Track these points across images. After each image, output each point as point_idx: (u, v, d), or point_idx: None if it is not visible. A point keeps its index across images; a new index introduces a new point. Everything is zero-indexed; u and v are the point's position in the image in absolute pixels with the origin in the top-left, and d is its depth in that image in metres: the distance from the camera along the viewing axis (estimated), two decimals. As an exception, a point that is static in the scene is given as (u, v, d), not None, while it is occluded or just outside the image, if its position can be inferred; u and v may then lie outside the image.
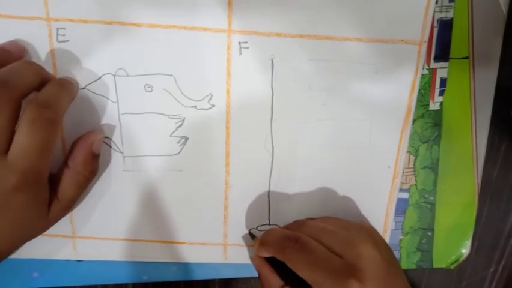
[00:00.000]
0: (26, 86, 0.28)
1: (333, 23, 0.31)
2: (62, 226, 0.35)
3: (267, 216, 0.36)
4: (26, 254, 0.37)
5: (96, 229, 0.36)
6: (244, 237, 0.37)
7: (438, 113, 0.34)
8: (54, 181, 0.31)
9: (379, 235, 0.32)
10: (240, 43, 0.32)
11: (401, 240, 0.37)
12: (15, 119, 0.27)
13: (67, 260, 0.37)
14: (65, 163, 0.32)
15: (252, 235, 0.36)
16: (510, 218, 0.38)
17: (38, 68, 0.30)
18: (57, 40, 0.32)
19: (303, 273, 0.29)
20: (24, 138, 0.27)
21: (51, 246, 0.37)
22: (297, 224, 0.34)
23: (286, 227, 0.35)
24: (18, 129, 0.27)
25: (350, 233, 0.31)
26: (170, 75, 0.32)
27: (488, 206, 0.38)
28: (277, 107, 0.33)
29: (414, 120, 0.34)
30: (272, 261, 0.32)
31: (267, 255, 0.32)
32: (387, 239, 0.36)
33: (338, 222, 0.34)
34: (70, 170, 0.32)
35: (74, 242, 0.36)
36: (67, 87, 0.31)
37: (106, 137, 0.34)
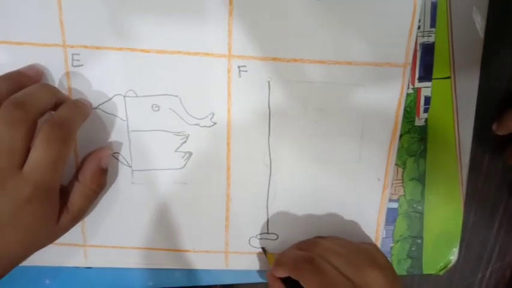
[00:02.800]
0: (42, 107, 0.30)
1: (325, 48, 0.33)
2: (74, 235, 0.36)
3: (266, 225, 0.37)
4: (41, 262, 0.38)
5: (106, 238, 0.37)
6: (244, 246, 0.38)
7: (424, 129, 0.36)
8: (65, 193, 0.33)
9: (384, 257, 0.34)
10: (239, 67, 0.33)
11: (391, 247, 0.38)
12: (30, 136, 0.29)
13: (77, 267, 0.38)
14: (75, 177, 0.34)
15: (264, 250, 0.37)
16: (495, 226, 0.39)
17: (54, 90, 0.32)
18: (72, 65, 0.33)
19: None
20: (38, 154, 0.28)
21: (63, 254, 0.38)
22: (311, 244, 0.35)
23: (300, 245, 0.35)
24: (33, 145, 0.29)
25: (359, 257, 0.33)
26: (176, 95, 0.34)
27: (473, 214, 0.38)
28: (274, 124, 0.35)
29: (401, 136, 0.35)
30: (284, 279, 0.33)
31: (283, 275, 0.33)
32: (378, 246, 0.37)
33: (347, 244, 0.35)
34: (79, 183, 0.33)
35: (85, 250, 0.38)
36: (80, 108, 0.32)
37: (116, 152, 0.35)
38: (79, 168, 0.34)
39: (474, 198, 0.38)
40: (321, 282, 0.31)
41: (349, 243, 0.35)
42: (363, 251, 0.34)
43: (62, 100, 0.32)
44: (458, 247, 0.39)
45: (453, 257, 0.39)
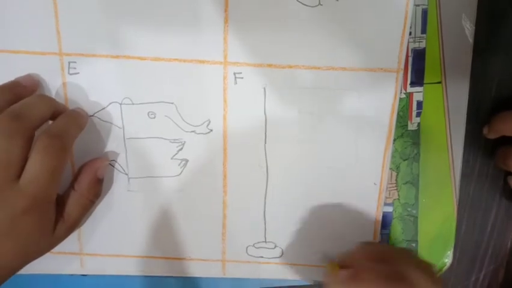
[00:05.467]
0: (38, 118, 0.30)
1: (320, 55, 0.33)
2: (70, 244, 0.36)
3: (263, 233, 0.37)
4: (37, 270, 0.38)
5: (102, 246, 0.37)
6: (241, 254, 0.38)
7: (416, 133, 0.36)
8: (61, 202, 0.33)
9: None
10: (235, 74, 0.33)
11: None
12: (27, 148, 0.29)
13: (72, 275, 0.38)
14: (71, 186, 0.34)
15: (327, 259, 0.35)
16: (488, 229, 0.39)
17: (51, 101, 0.32)
18: (68, 73, 0.33)
19: None
20: (35, 165, 0.29)
21: (60, 262, 0.38)
22: (386, 252, 0.33)
23: (370, 254, 0.33)
24: (30, 156, 0.29)
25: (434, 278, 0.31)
26: (172, 103, 0.34)
27: (466, 218, 0.39)
28: (270, 130, 0.35)
29: (394, 140, 0.35)
30: None
31: None
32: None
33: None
34: (75, 193, 0.33)
35: (82, 258, 0.37)
36: (77, 118, 0.33)
37: (112, 160, 0.35)
38: (75, 177, 0.34)
39: (466, 202, 0.39)
40: None
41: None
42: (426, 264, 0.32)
43: (60, 111, 0.32)
44: (452, 250, 0.39)
45: (447, 260, 0.39)
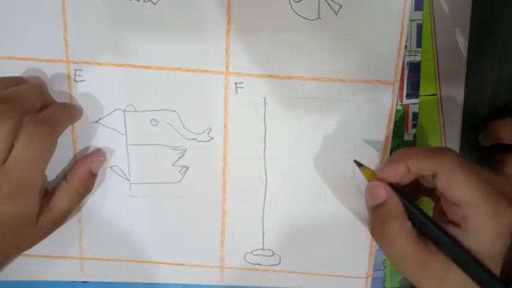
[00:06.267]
0: (28, 104, 0.30)
1: (319, 67, 0.34)
2: (70, 248, 0.37)
3: (261, 241, 0.38)
4: (36, 276, 0.38)
5: (103, 251, 0.37)
6: (240, 261, 0.38)
7: (413, 143, 0.36)
8: (50, 193, 0.33)
9: None
10: (236, 83, 0.34)
11: (384, 260, 0.39)
12: (15, 133, 0.28)
13: (73, 282, 0.38)
14: (64, 178, 0.34)
15: (358, 164, 0.33)
16: None
17: (42, 91, 0.32)
18: (75, 80, 0.34)
19: (466, 188, 0.26)
20: (21, 150, 0.28)
21: (59, 267, 0.38)
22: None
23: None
24: (16, 141, 0.28)
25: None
26: (174, 111, 0.35)
27: None
28: (270, 139, 0.35)
29: (391, 150, 0.36)
30: None
31: (399, 172, 0.28)
32: (372, 260, 0.38)
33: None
34: (66, 183, 0.33)
35: (82, 263, 0.38)
36: (67, 109, 0.33)
37: (115, 166, 0.36)
38: (69, 169, 0.34)
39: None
40: (474, 178, 0.26)
41: None
42: None
43: (50, 103, 0.32)
44: (449, 259, 0.39)
45: (444, 269, 0.39)
